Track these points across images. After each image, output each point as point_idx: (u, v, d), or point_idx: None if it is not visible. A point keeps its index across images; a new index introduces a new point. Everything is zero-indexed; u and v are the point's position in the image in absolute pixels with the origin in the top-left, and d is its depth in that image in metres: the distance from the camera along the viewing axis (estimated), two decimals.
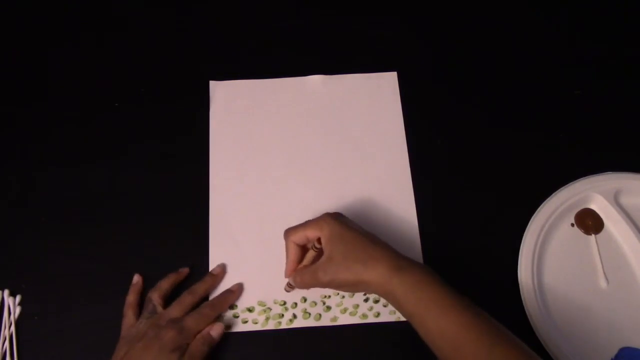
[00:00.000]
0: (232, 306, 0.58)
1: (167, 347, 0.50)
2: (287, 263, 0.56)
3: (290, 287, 0.57)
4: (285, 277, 0.57)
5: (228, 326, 0.57)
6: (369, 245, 0.52)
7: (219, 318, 0.57)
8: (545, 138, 0.66)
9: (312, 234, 0.54)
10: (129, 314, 0.55)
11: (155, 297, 0.55)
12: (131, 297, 0.56)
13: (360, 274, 0.51)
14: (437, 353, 0.48)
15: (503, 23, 0.74)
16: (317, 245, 0.53)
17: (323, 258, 0.53)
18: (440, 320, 0.48)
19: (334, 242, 0.52)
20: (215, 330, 0.54)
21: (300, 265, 0.56)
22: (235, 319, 0.57)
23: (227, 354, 0.55)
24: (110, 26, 0.73)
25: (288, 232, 0.55)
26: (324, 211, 0.58)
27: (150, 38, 0.72)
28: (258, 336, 0.57)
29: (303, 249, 0.56)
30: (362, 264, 0.51)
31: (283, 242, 0.58)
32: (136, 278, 0.57)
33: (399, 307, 0.51)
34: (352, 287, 0.53)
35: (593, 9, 0.75)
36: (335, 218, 0.54)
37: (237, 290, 0.58)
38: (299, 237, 0.55)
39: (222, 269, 0.59)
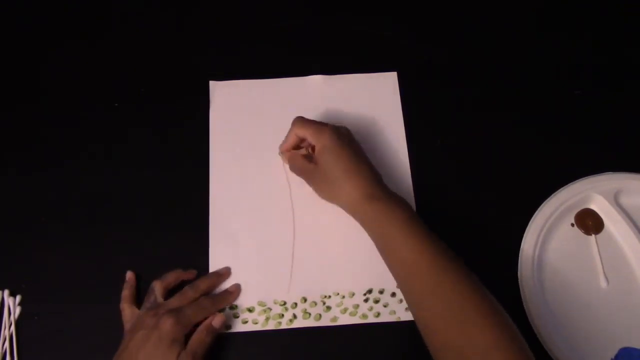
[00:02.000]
0: (232, 306, 0.58)
1: (167, 338, 0.50)
2: (283, 142, 0.60)
3: (282, 155, 0.62)
4: (279, 150, 0.61)
5: (228, 326, 0.57)
6: (354, 167, 0.56)
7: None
8: (545, 138, 0.66)
9: (311, 138, 0.57)
10: (125, 308, 0.55)
11: (158, 286, 0.55)
12: (125, 292, 0.56)
13: (336, 191, 0.56)
14: (396, 279, 0.53)
15: (503, 23, 0.74)
16: (310, 153, 0.58)
17: (314, 163, 0.57)
18: (402, 246, 0.52)
19: (324, 153, 0.56)
20: (217, 321, 0.54)
21: (299, 151, 0.60)
22: (235, 319, 0.57)
23: (227, 354, 0.55)
24: (110, 26, 0.73)
25: (297, 122, 0.59)
26: (324, 210, 0.59)
27: (150, 38, 0.72)
28: (258, 336, 0.57)
29: (299, 141, 0.60)
30: (339, 182, 0.55)
31: (283, 242, 0.59)
32: (129, 274, 0.58)
33: (368, 232, 0.55)
34: (328, 198, 0.58)
35: (593, 9, 0.75)
36: (336, 133, 0.57)
37: (235, 292, 0.58)
38: (301, 133, 0.58)
39: (228, 272, 0.59)
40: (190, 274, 0.58)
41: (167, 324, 0.51)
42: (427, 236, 0.52)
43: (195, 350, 0.51)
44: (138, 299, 0.57)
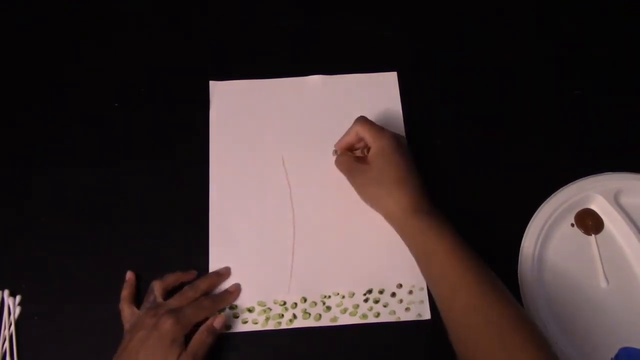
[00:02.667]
0: (232, 306, 0.58)
1: (167, 338, 0.50)
2: (342, 138, 0.60)
3: (335, 153, 0.62)
4: (335, 145, 0.61)
5: (228, 326, 0.57)
6: (406, 177, 0.56)
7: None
8: (545, 138, 0.66)
9: (369, 138, 0.58)
10: (124, 308, 0.55)
11: (157, 286, 0.55)
12: (125, 292, 0.56)
13: (382, 198, 0.56)
14: (436, 295, 0.53)
15: (503, 23, 0.74)
16: (365, 154, 0.59)
17: (366, 165, 0.58)
18: (445, 261, 0.52)
19: (379, 157, 0.56)
20: (218, 322, 0.54)
21: (351, 152, 0.61)
22: (235, 319, 0.57)
23: (227, 354, 0.55)
24: (110, 26, 0.73)
25: (359, 122, 0.59)
26: (324, 210, 0.59)
27: (150, 38, 0.72)
28: (258, 336, 0.57)
29: (358, 140, 0.60)
30: (387, 189, 0.55)
31: (283, 242, 0.60)
32: (129, 274, 0.58)
33: (408, 241, 0.55)
34: (371, 201, 0.58)
35: (593, 9, 0.75)
36: (395, 140, 0.57)
37: (235, 291, 0.58)
38: (362, 132, 0.58)
39: (228, 272, 0.59)
40: (190, 275, 0.58)
41: (166, 324, 0.51)
42: (471, 253, 0.52)
43: (196, 352, 0.51)
44: (138, 299, 0.57)
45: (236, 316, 0.57)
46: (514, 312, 0.49)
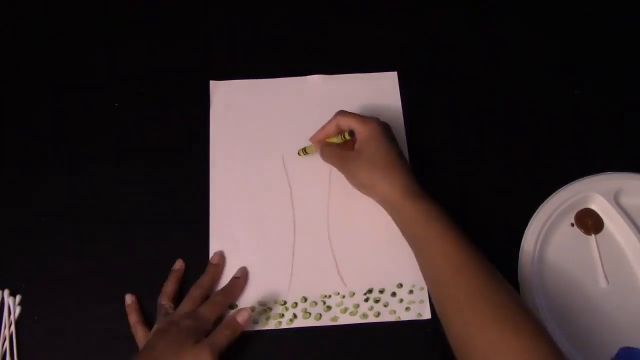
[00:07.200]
0: (232, 306, 0.58)
1: (186, 332, 0.50)
2: (319, 131, 0.60)
3: (304, 152, 0.63)
4: (310, 140, 0.61)
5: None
6: (396, 162, 0.56)
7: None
8: (545, 138, 0.66)
9: (357, 126, 0.57)
10: (137, 330, 0.54)
11: (164, 300, 0.55)
12: (133, 317, 0.55)
13: (376, 181, 0.56)
14: (433, 276, 0.53)
15: (503, 23, 0.74)
16: (347, 137, 0.58)
17: (355, 152, 0.57)
18: (446, 245, 0.52)
19: (369, 142, 0.56)
20: (241, 316, 0.54)
21: (328, 140, 0.60)
22: None
23: (227, 354, 0.55)
24: (110, 26, 0.73)
25: (340, 114, 0.59)
26: (325, 210, 0.59)
27: (150, 38, 0.72)
28: (258, 336, 0.57)
29: (338, 132, 0.60)
30: (381, 173, 0.56)
31: (284, 241, 0.59)
32: (128, 299, 0.57)
33: (404, 225, 0.55)
34: (364, 188, 0.58)
35: (593, 9, 0.75)
36: (382, 125, 0.58)
37: (242, 275, 0.58)
38: (344, 122, 0.58)
39: (221, 256, 0.59)
40: (180, 270, 0.58)
41: (186, 324, 0.51)
42: (468, 237, 0.53)
43: (214, 343, 0.51)
44: (142, 304, 0.57)
45: None
46: (515, 297, 0.49)
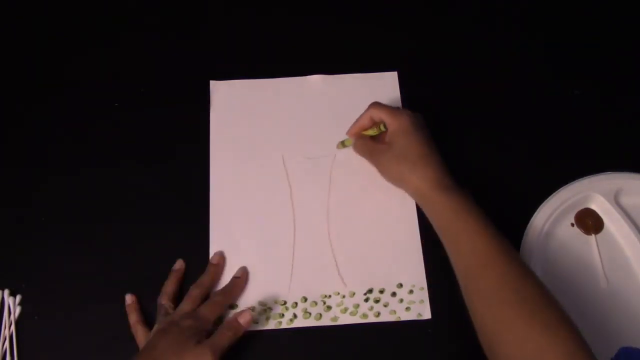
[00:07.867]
0: (232, 306, 0.58)
1: (186, 331, 0.51)
2: (354, 124, 0.61)
3: (342, 145, 0.63)
4: (347, 134, 0.62)
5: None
6: (429, 153, 0.57)
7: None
8: (545, 138, 0.66)
9: (388, 119, 0.58)
10: (138, 330, 0.54)
11: (164, 300, 0.55)
12: (133, 317, 0.55)
13: (407, 175, 0.57)
14: (463, 269, 0.52)
15: (503, 23, 0.74)
16: (382, 129, 0.59)
17: (385, 145, 0.58)
18: (475, 238, 0.52)
19: (400, 135, 0.57)
20: (242, 317, 0.54)
21: (364, 132, 0.61)
22: None
23: (227, 354, 0.55)
24: (110, 26, 0.73)
25: (373, 106, 0.60)
26: (325, 210, 0.59)
27: (150, 38, 0.72)
28: (258, 336, 0.57)
29: (372, 124, 0.60)
30: (411, 166, 0.56)
31: (284, 241, 0.60)
32: (129, 299, 0.57)
33: (434, 217, 0.56)
34: (395, 181, 0.59)
35: (593, 9, 0.75)
36: (413, 117, 0.58)
37: (242, 275, 0.58)
38: (376, 115, 0.59)
39: (221, 256, 0.59)
40: (180, 270, 0.58)
41: (186, 324, 0.51)
42: (498, 230, 0.53)
43: (215, 344, 0.51)
44: (142, 304, 0.57)
45: None
46: (544, 291, 0.49)
